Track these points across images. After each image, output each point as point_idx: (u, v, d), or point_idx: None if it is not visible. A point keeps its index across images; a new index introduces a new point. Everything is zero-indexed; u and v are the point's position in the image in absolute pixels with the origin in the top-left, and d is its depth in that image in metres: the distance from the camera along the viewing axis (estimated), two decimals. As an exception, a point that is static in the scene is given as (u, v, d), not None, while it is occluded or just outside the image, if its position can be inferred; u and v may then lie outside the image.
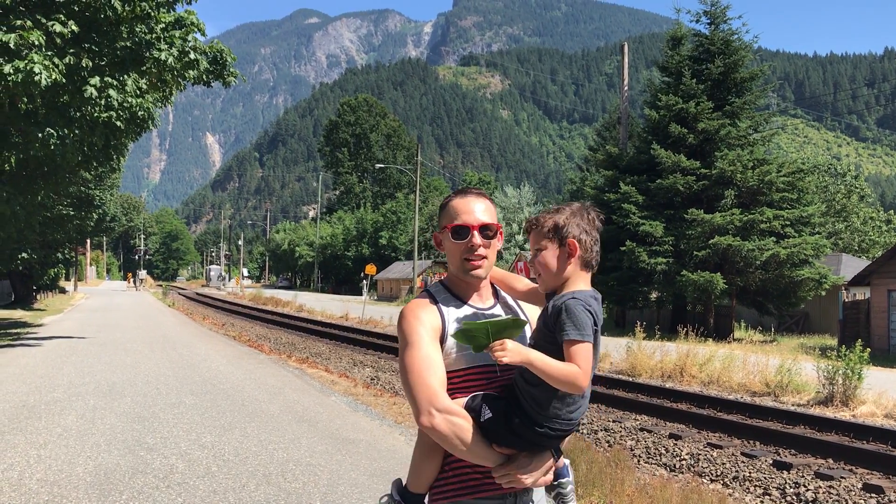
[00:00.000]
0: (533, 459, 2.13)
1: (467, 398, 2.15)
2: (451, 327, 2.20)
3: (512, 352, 2.01)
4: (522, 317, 2.35)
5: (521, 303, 2.42)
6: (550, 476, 2.20)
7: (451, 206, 2.29)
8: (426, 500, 2.25)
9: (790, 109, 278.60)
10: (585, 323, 2.04)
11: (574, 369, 2.01)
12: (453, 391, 2.17)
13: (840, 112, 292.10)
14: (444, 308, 2.24)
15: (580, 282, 2.19)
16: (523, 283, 2.41)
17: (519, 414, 2.09)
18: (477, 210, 2.26)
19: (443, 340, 2.19)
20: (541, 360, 2.02)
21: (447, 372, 2.17)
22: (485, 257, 2.25)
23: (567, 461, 2.37)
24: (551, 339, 2.09)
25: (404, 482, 2.29)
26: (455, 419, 2.08)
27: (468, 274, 2.26)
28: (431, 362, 2.13)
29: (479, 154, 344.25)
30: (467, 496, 2.18)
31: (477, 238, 2.23)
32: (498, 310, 2.33)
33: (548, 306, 2.17)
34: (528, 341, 2.20)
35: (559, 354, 2.05)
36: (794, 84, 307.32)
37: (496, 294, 2.39)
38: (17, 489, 5.94)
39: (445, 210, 2.31)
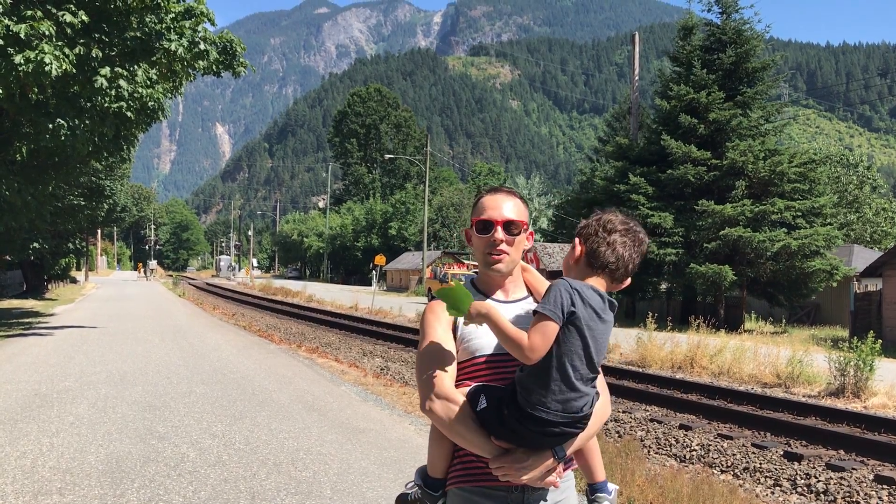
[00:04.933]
0: (530, 457, 2.12)
1: (469, 388, 2.18)
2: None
3: (478, 305, 2.10)
4: None
5: None
6: (553, 478, 2.17)
7: (481, 202, 2.35)
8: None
9: (802, 100, 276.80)
10: (556, 302, 2.05)
11: (523, 336, 2.04)
12: (464, 380, 2.22)
13: (852, 102, 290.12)
14: None
15: (589, 281, 2.19)
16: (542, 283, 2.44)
17: (509, 406, 2.09)
18: (504, 207, 2.30)
19: (455, 331, 2.26)
20: (498, 317, 2.09)
21: (460, 362, 2.24)
22: (506, 252, 2.28)
23: (615, 487, 2.39)
24: None
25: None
26: (452, 406, 2.14)
27: (489, 268, 2.31)
28: (439, 351, 2.21)
29: (489, 145, 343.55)
30: (471, 483, 2.22)
31: (500, 233, 2.27)
32: (520, 305, 2.33)
33: None
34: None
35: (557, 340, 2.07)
36: (806, 74, 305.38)
37: (529, 293, 2.40)
38: (30, 476, 5.98)
39: (475, 206, 2.37)
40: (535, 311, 2.07)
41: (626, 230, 2.20)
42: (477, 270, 2.44)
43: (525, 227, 2.31)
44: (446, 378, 2.18)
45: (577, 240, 2.20)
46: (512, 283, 2.35)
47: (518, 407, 2.08)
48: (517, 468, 2.10)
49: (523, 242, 2.32)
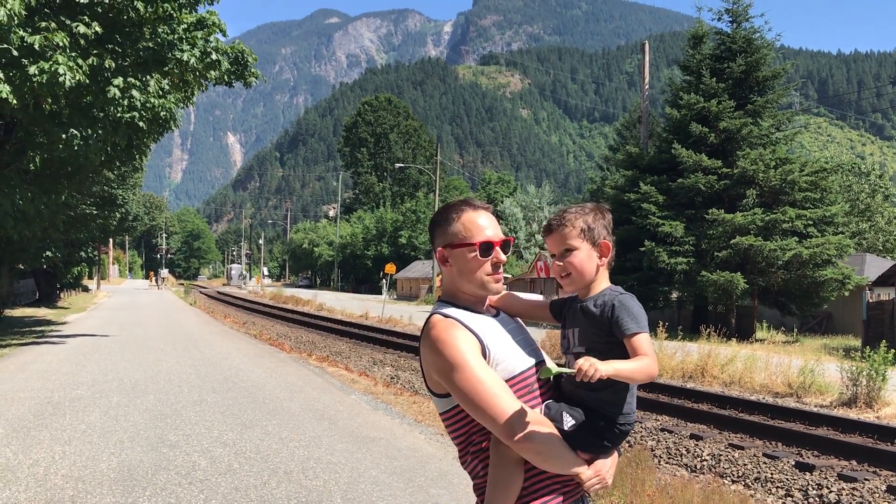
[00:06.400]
0: (609, 459, 2.16)
1: (542, 407, 2.14)
2: (486, 339, 2.15)
3: (600, 368, 1.95)
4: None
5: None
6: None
7: (468, 221, 2.20)
8: None
9: (813, 108, 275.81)
10: (641, 314, 2.09)
11: (647, 360, 2.04)
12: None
13: (864, 110, 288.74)
14: (468, 323, 2.16)
15: (604, 280, 2.23)
16: (520, 301, 2.39)
17: (600, 417, 2.11)
18: (495, 225, 2.23)
19: (485, 354, 2.12)
20: (624, 366, 2.01)
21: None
22: (503, 273, 2.26)
23: None
24: (605, 338, 2.11)
25: None
26: (543, 430, 2.04)
27: (490, 289, 2.22)
28: (496, 378, 2.07)
29: (499, 153, 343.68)
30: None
31: (501, 254, 2.21)
32: (504, 318, 2.30)
33: (586, 307, 2.18)
34: (577, 348, 2.19)
35: (616, 351, 2.07)
36: (817, 82, 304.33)
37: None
38: (42, 484, 6.02)
39: (457, 225, 2.21)
40: (630, 334, 2.05)
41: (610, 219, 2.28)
42: (443, 290, 2.36)
43: (511, 241, 2.27)
44: (520, 402, 2.06)
45: (606, 242, 2.20)
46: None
47: (609, 419, 2.12)
48: (607, 475, 2.13)
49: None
